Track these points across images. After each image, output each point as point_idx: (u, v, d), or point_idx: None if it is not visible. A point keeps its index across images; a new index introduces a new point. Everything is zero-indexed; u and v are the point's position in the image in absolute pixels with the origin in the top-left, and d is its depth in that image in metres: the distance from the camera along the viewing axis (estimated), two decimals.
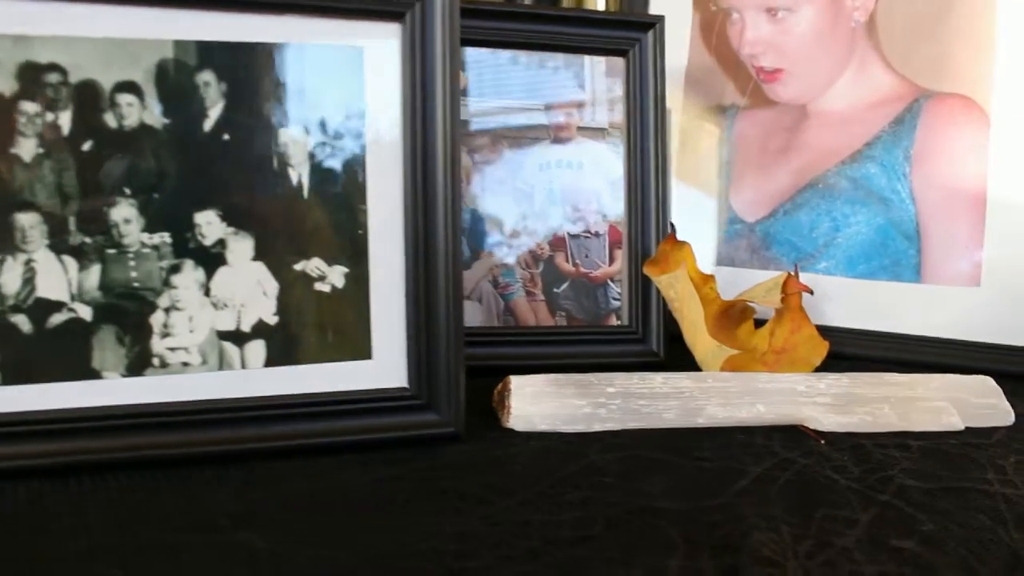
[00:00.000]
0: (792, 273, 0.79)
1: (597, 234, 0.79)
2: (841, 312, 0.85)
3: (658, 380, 0.66)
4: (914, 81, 0.84)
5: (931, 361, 0.80)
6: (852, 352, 0.83)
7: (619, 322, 0.79)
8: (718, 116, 0.92)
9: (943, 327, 0.82)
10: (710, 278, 0.75)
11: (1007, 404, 0.69)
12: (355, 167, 0.58)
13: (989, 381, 0.70)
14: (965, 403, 0.68)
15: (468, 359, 0.61)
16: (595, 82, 0.79)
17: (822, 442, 0.63)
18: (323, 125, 0.57)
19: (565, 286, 0.79)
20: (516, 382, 0.65)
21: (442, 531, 0.46)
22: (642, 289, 0.78)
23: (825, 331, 0.84)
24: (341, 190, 0.58)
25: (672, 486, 0.54)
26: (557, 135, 0.79)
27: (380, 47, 0.58)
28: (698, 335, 0.74)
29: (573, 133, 0.79)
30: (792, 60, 0.89)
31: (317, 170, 0.57)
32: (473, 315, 0.77)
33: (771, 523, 0.49)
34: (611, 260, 0.80)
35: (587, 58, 0.79)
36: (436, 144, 0.58)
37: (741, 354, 0.74)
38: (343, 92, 0.58)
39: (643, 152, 0.78)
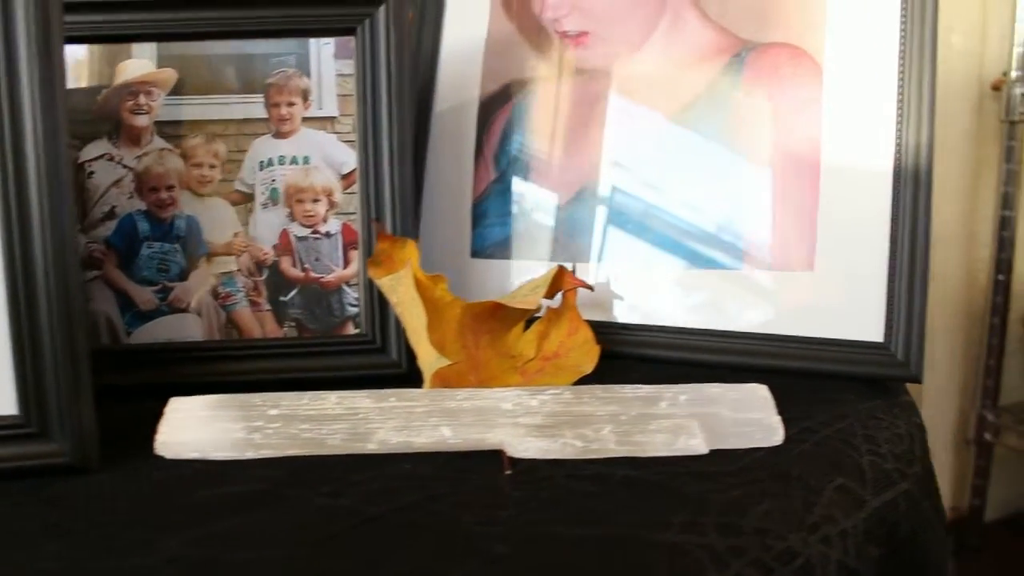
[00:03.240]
0: (565, 267, 0.71)
1: (328, 234, 0.71)
2: (653, 307, 0.75)
3: (331, 400, 0.59)
4: (735, 32, 0.75)
5: (751, 363, 0.71)
6: (655, 355, 0.74)
7: (357, 331, 0.72)
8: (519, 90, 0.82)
9: (771, 321, 0.72)
10: (440, 278, 0.67)
11: (775, 419, 0.59)
12: None
13: (760, 390, 0.61)
14: (719, 419, 0.59)
15: (162, 377, 0.59)
16: (322, 66, 0.71)
17: (508, 473, 0.55)
18: None
19: (293, 293, 0.71)
20: (172, 405, 0.58)
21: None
22: (380, 294, 0.70)
23: (628, 329, 0.76)
24: None
25: (262, 528, 0.47)
26: (279, 128, 0.71)
27: None
28: (420, 343, 0.66)
29: (297, 125, 0.71)
30: (598, 20, 0.79)
31: None
32: (193, 328, 0.70)
33: None
34: (346, 262, 0.72)
35: (313, 40, 0.71)
36: (26, 145, 0.51)
37: (457, 364, 0.66)
38: None
39: (376, 141, 0.70)
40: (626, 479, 0.54)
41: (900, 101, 0.71)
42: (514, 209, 0.80)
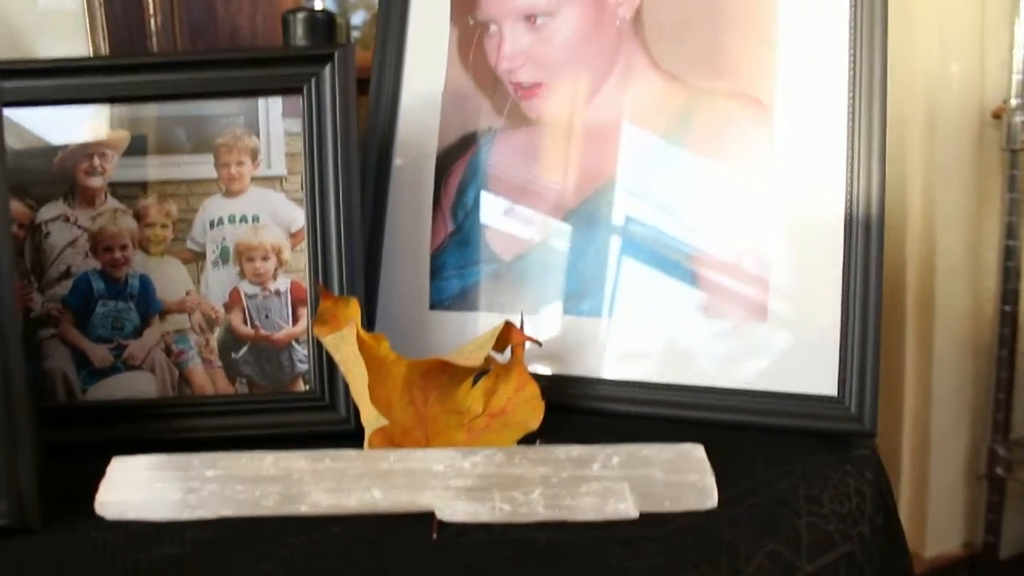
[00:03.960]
0: (512, 322, 0.71)
1: (278, 292, 0.72)
2: (603, 359, 0.75)
3: (268, 461, 0.59)
4: (686, 80, 0.75)
5: (699, 417, 0.70)
6: (602, 408, 0.74)
7: (307, 387, 0.72)
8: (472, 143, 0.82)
9: (723, 373, 0.71)
10: (381, 337, 0.67)
11: (709, 481, 0.58)
12: None
13: (696, 451, 0.60)
14: (652, 481, 0.58)
15: (117, 434, 0.62)
16: (271, 125, 0.72)
17: (434, 536, 0.55)
18: None
19: (244, 350, 0.72)
20: (114, 464, 0.59)
21: None
22: (327, 351, 0.71)
23: (585, 382, 0.75)
24: None
25: None
26: (229, 188, 0.72)
27: None
28: (362, 401, 0.66)
29: (246, 184, 0.72)
30: (552, 72, 0.80)
31: None
32: (148, 385, 0.71)
33: None
34: (295, 320, 0.72)
35: (261, 99, 0.72)
36: None
37: (402, 421, 0.66)
38: None
39: (323, 200, 0.71)
40: (551, 544, 0.54)
41: (850, 151, 0.70)
42: (471, 261, 0.80)
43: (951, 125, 1.45)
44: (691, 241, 0.73)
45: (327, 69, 0.71)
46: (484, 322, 0.79)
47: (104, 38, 0.91)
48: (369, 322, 0.81)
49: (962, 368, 1.54)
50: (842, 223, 0.70)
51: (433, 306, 0.81)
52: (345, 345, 0.67)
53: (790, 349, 0.70)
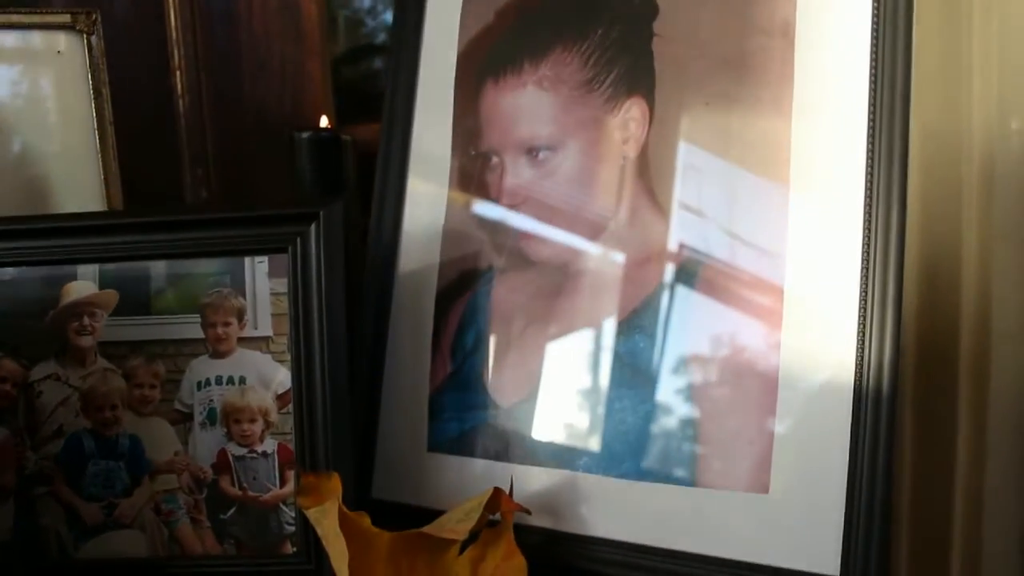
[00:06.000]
0: (502, 489, 0.69)
1: (265, 454, 0.71)
2: (601, 519, 0.72)
3: None
4: None
5: None
6: (596, 570, 0.71)
7: (294, 549, 0.71)
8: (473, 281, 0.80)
9: (721, 543, 0.68)
10: (363, 515, 0.66)
11: None
12: None
13: None
14: None
15: None
16: (257, 284, 0.71)
17: None
18: None
19: (232, 511, 0.71)
20: None
21: None
22: None
23: (580, 542, 0.73)
24: None
25: None
26: (216, 348, 0.71)
27: None
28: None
29: (233, 345, 0.71)
30: (553, 211, 0.77)
31: None
32: (138, 544, 0.71)
33: None
34: (283, 482, 0.72)
35: (248, 258, 0.71)
36: None
37: None
38: None
39: (309, 362, 0.70)
40: None
41: (861, 317, 0.66)
42: (469, 405, 0.78)
43: (1011, 183, 1.38)
44: (692, 406, 0.70)
45: (312, 228, 0.70)
46: (481, 470, 0.76)
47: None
48: (367, 463, 0.80)
49: (1018, 437, 1.47)
50: (851, 394, 0.66)
51: (432, 448, 0.79)
52: (327, 519, 0.66)
53: (791, 524, 0.67)
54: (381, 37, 1.25)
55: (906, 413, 1.02)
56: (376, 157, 0.84)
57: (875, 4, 0.67)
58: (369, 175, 0.85)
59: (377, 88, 1.03)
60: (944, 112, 0.99)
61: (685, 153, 0.73)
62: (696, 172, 0.72)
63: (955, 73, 1.33)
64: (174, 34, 1.12)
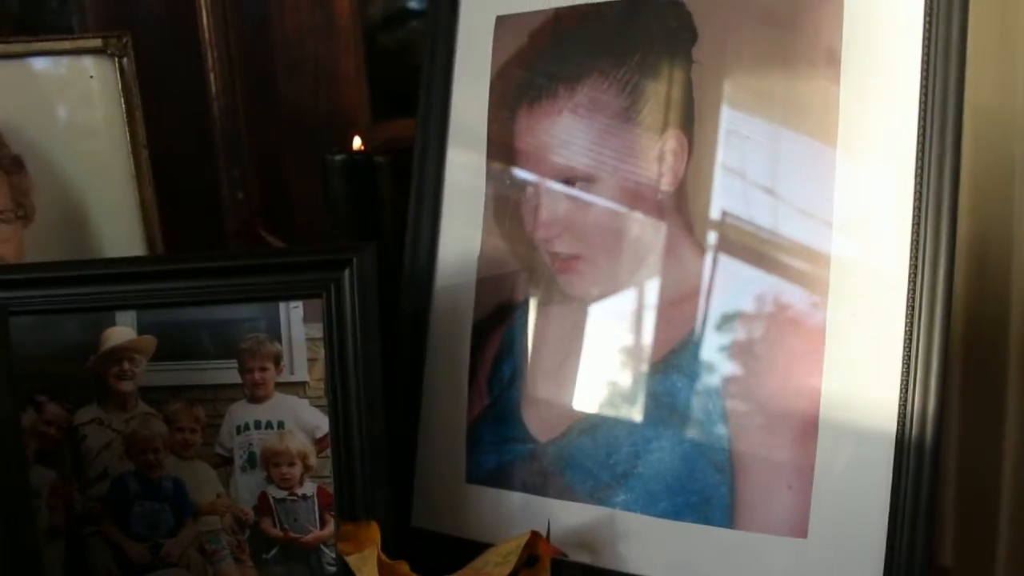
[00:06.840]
0: (539, 532, 0.70)
1: (305, 497, 0.72)
2: (638, 557, 0.72)
3: None
4: None
5: None
6: None
7: None
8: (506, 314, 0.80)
9: None
10: (402, 563, 0.67)
11: None
12: None
13: None
14: None
15: None
16: (292, 329, 0.71)
17: None
18: None
19: (275, 551, 0.73)
20: None
21: None
22: None
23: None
24: None
25: None
26: (253, 393, 0.72)
27: None
28: None
29: (271, 390, 0.72)
30: (590, 245, 0.76)
31: None
32: None
33: None
34: (323, 523, 0.72)
35: (283, 304, 0.71)
36: None
37: None
38: None
39: (345, 407, 0.70)
40: None
41: (905, 362, 0.64)
42: (506, 438, 0.78)
43: None
44: (730, 447, 0.69)
45: (346, 274, 0.69)
46: (519, 504, 0.77)
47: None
48: (406, 491, 0.80)
49: None
50: (894, 438, 0.65)
51: (470, 479, 0.79)
52: (366, 567, 0.67)
53: (828, 571, 0.66)
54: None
55: (953, 401, 1.01)
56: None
57: None
58: (406, 185, 0.84)
59: (415, 61, 0.97)
60: (997, 89, 0.95)
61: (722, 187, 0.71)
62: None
63: (1010, 49, 1.28)
64: (207, 35, 1.11)
